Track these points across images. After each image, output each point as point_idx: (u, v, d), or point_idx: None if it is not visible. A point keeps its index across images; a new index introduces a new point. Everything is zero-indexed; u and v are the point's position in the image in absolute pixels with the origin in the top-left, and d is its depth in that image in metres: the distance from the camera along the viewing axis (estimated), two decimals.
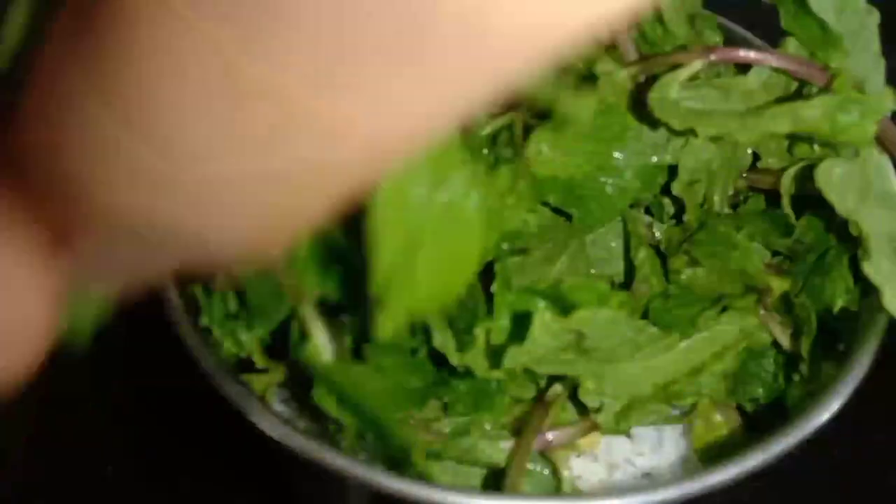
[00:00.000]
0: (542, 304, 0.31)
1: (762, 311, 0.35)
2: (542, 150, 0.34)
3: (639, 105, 0.35)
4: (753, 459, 0.32)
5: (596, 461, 0.35)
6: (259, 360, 0.37)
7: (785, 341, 0.35)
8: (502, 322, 0.32)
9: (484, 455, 0.33)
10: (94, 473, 0.48)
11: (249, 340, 0.37)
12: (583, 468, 0.35)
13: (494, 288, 0.32)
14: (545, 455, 0.34)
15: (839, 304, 0.34)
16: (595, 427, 0.32)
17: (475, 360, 0.32)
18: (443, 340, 0.32)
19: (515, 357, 0.31)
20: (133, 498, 0.47)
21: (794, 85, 0.37)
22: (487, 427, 0.34)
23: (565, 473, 0.33)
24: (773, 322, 0.35)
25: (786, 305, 0.36)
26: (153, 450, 0.49)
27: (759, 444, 0.32)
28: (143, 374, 0.51)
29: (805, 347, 0.34)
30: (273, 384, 0.37)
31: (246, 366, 0.37)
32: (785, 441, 0.32)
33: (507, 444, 0.34)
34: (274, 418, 0.33)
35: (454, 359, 0.32)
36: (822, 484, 0.48)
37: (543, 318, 0.30)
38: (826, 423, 0.33)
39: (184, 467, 0.48)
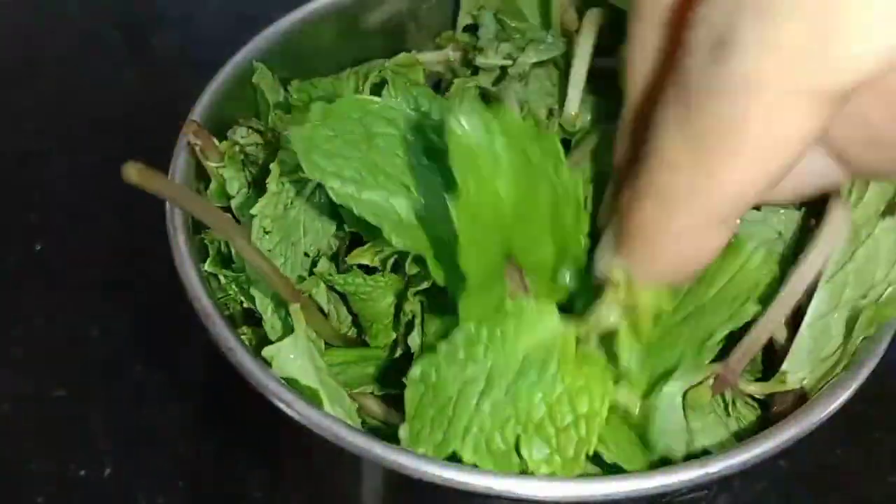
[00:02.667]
0: None
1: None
2: None
3: None
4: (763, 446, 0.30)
5: None
6: None
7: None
8: None
9: None
10: (107, 447, 0.48)
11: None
12: None
13: None
14: None
15: None
16: None
17: None
18: None
19: None
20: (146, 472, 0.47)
21: None
22: None
23: None
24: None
25: None
26: (167, 423, 0.49)
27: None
28: (156, 348, 0.52)
29: None
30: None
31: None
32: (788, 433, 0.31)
33: None
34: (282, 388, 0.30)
35: None
36: (823, 484, 0.47)
37: None
38: (826, 423, 0.32)
39: (196, 440, 0.48)
